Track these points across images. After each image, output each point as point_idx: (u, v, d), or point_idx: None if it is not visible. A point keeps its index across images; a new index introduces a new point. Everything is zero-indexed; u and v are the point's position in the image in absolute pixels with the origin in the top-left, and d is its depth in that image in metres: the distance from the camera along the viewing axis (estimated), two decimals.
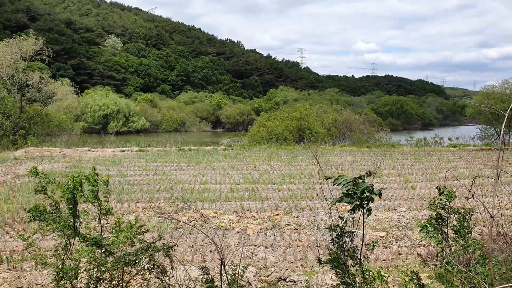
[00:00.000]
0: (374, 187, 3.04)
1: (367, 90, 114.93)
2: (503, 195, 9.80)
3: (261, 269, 5.41)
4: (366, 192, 2.90)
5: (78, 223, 2.93)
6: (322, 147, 21.87)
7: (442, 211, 3.09)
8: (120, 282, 2.95)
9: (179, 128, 61.04)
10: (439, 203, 3.09)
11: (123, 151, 18.84)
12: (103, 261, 2.77)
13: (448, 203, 3.02)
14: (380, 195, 2.99)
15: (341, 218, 3.23)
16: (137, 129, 54.56)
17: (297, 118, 28.06)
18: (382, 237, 6.94)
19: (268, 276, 5.07)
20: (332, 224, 3.18)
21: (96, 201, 2.98)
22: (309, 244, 6.47)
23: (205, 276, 2.92)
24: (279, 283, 4.87)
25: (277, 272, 5.20)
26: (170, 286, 3.29)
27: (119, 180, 11.60)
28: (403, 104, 79.44)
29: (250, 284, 4.75)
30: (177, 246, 6.34)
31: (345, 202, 3.02)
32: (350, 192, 2.96)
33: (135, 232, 3.05)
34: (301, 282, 4.86)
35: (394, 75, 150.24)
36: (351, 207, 3.06)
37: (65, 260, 2.84)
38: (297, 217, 8.12)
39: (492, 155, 17.88)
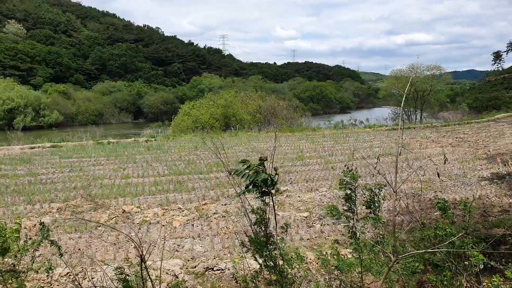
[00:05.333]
0: (275, 171, 3.17)
1: (288, 77, 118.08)
2: (412, 171, 10.72)
3: (188, 260, 5.31)
4: (268, 180, 3.01)
5: None
6: (248, 133, 22.11)
7: (350, 192, 3.30)
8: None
9: (97, 120, 57.50)
10: (346, 184, 3.28)
11: (33, 148, 17.25)
12: None
13: (354, 184, 3.22)
14: (276, 170, 3.20)
15: (262, 205, 3.27)
16: (50, 124, 50.29)
17: (223, 105, 28.01)
18: (305, 217, 7.22)
19: (195, 267, 4.98)
20: (252, 210, 3.21)
21: None
22: (237, 231, 6.50)
23: (121, 276, 2.76)
24: (206, 272, 4.82)
25: (204, 262, 5.14)
26: None
27: (29, 180, 10.61)
28: (323, 89, 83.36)
29: (177, 277, 4.63)
30: (78, 237, 5.97)
31: (252, 192, 3.09)
32: (255, 181, 3.03)
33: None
34: (228, 269, 4.86)
35: (314, 62, 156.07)
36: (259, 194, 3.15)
37: None
38: (225, 205, 8.11)
39: (402, 134, 19.54)
